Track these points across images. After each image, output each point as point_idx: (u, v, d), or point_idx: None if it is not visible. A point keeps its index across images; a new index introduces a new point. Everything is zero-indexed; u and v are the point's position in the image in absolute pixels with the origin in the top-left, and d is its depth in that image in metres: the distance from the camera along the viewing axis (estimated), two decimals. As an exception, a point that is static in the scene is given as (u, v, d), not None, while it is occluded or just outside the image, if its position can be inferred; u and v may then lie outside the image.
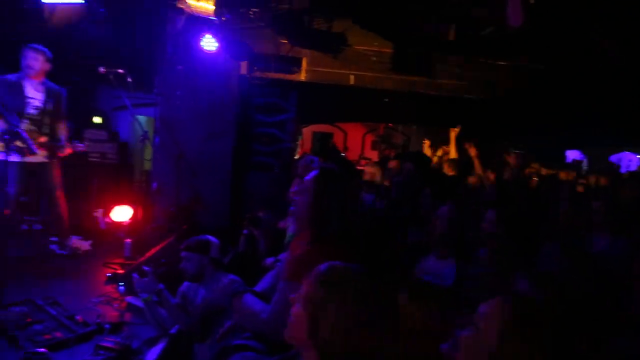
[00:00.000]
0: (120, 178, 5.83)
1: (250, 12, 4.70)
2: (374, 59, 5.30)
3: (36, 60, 4.20)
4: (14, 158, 2.71)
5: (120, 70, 4.11)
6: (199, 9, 4.12)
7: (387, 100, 5.71)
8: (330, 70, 5.46)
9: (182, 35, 4.80)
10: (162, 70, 4.98)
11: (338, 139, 14.28)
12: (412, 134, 14.02)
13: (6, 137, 2.23)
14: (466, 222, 3.02)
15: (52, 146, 4.25)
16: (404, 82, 5.58)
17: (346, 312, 1.20)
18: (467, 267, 2.63)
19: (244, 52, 5.06)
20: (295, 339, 1.33)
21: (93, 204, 5.63)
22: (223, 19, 4.29)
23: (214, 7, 4.07)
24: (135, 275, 2.88)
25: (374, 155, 14.48)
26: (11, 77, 4.22)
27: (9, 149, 2.28)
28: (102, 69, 4.11)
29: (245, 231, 4.11)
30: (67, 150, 4.35)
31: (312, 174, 1.91)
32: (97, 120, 7.95)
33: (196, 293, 3.06)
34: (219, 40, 4.71)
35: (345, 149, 13.24)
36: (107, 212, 5.42)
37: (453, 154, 5.61)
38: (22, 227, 4.85)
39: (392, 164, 4.85)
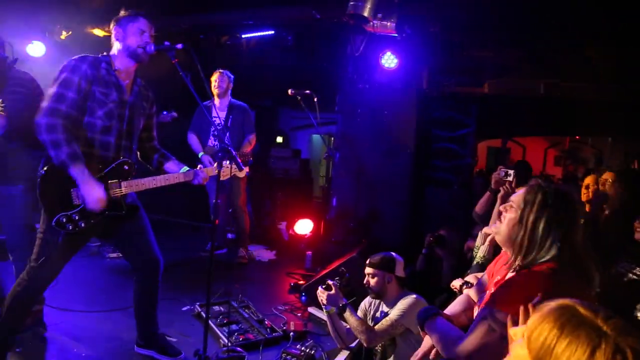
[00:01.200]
0: (301, 193, 6.19)
1: (431, 27, 4.60)
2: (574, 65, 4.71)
3: (222, 81, 4.75)
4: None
5: (307, 92, 4.35)
6: (380, 28, 4.16)
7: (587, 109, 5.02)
8: (518, 79, 5.02)
9: (362, 54, 4.92)
10: (342, 89, 5.17)
11: (516, 154, 13.27)
12: (604, 147, 12.34)
13: (220, 154, 2.46)
14: None
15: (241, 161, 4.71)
16: (608, 91, 4.85)
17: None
18: None
19: (424, 67, 4.98)
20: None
21: (277, 217, 6.06)
22: (404, 35, 4.26)
23: (395, 24, 4.07)
24: (320, 287, 2.94)
25: (557, 172, 13.12)
26: (206, 102, 4.77)
27: (220, 166, 2.52)
28: (291, 91, 4.41)
29: (424, 250, 3.97)
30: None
31: (525, 188, 1.68)
32: (279, 139, 8.69)
33: (378, 310, 3.02)
34: (399, 56, 4.71)
35: (525, 165, 12.14)
36: (290, 225, 5.79)
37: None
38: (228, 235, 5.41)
39: (589, 180, 4.18)
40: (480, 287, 2.10)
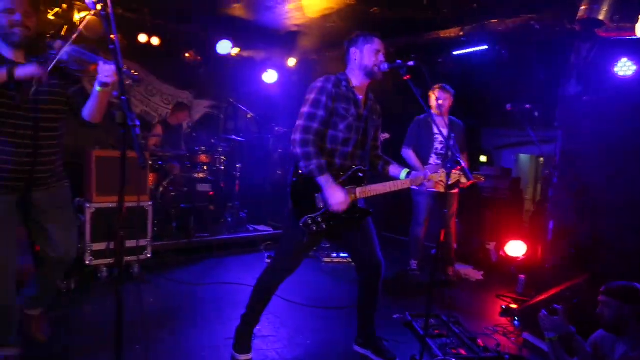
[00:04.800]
0: (511, 213, 5.86)
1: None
2: None
3: (446, 100, 4.73)
4: (430, 188, 3.07)
5: (527, 106, 4.15)
6: (616, 32, 3.75)
7: None
8: None
9: (590, 63, 4.48)
10: (564, 103, 4.77)
11: None
12: None
13: (448, 165, 2.54)
14: None
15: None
16: None
17: None
18: None
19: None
20: None
21: (485, 237, 5.84)
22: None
23: (636, 26, 3.62)
24: (543, 312, 2.76)
25: None
26: (421, 117, 4.86)
27: (449, 176, 2.60)
28: (509, 106, 4.26)
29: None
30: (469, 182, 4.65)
31: None
32: (482, 158, 8.38)
33: (613, 347, 2.68)
34: (638, 63, 4.16)
35: None
36: (499, 246, 5.53)
37: None
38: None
39: None
40: None
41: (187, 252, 5.25)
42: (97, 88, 2.33)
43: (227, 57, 6.75)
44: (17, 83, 2.20)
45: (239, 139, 6.43)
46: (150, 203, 4.56)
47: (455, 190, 4.73)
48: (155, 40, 6.02)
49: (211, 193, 5.71)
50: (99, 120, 2.52)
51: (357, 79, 2.80)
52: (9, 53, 2.34)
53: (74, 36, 2.19)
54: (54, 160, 2.57)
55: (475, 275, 5.27)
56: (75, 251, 2.79)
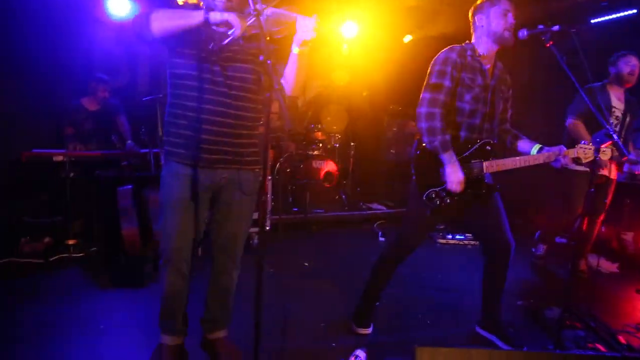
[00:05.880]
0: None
1: None
2: None
3: (636, 67, 4.03)
4: (566, 164, 2.70)
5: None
6: None
7: None
8: None
9: None
10: None
11: None
12: None
13: (597, 140, 2.27)
14: None
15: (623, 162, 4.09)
16: None
17: None
18: None
19: None
20: None
21: (622, 225, 5.24)
22: None
23: None
24: None
25: None
26: (595, 85, 4.12)
27: (597, 151, 2.32)
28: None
29: None
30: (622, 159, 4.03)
31: None
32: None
33: None
34: None
35: None
36: (638, 236, 4.94)
37: None
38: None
39: None
40: None
41: (302, 226, 5.41)
42: (296, 50, 2.11)
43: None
44: (211, 34, 2.11)
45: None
46: (269, 177, 4.75)
47: (613, 176, 4.22)
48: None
49: (326, 171, 5.80)
50: (299, 91, 2.22)
51: (484, 47, 2.61)
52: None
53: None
54: (247, 135, 2.29)
55: (610, 267, 4.75)
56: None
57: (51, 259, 4.02)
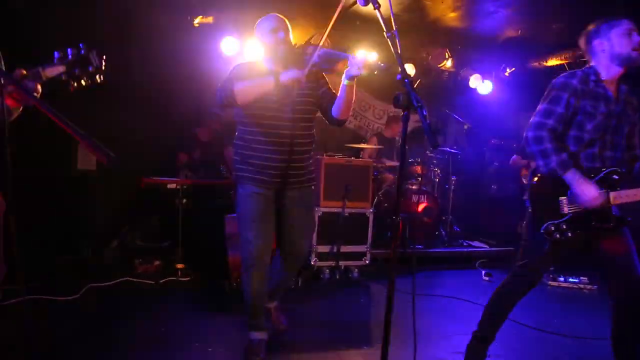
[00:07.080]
0: None
1: None
2: None
3: None
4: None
5: None
6: None
7: None
8: None
9: None
10: None
11: None
12: None
13: None
14: None
15: None
16: None
17: None
18: None
19: None
20: None
21: None
22: None
23: None
24: None
25: None
26: None
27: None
28: None
29: None
30: None
31: None
32: None
33: None
34: None
35: None
36: None
37: None
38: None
39: None
40: None
41: (401, 262, 5.28)
42: (346, 82, 2.47)
43: (441, 69, 6.69)
44: (280, 89, 2.51)
45: (453, 150, 6.29)
46: (371, 210, 4.74)
47: None
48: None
49: (425, 205, 5.68)
50: (347, 116, 2.67)
51: (606, 71, 2.44)
52: (271, 65, 2.68)
53: (324, 39, 2.41)
54: (306, 158, 2.76)
55: None
56: (309, 251, 3.03)
57: (161, 281, 4.27)
